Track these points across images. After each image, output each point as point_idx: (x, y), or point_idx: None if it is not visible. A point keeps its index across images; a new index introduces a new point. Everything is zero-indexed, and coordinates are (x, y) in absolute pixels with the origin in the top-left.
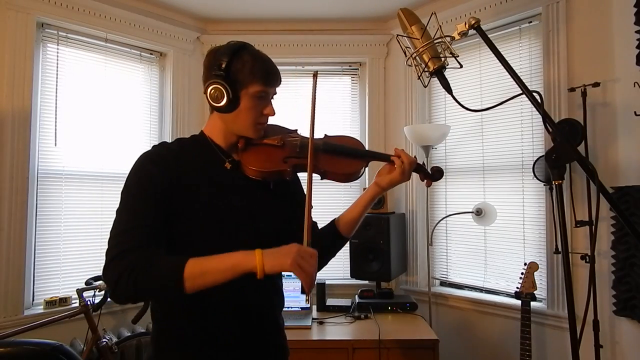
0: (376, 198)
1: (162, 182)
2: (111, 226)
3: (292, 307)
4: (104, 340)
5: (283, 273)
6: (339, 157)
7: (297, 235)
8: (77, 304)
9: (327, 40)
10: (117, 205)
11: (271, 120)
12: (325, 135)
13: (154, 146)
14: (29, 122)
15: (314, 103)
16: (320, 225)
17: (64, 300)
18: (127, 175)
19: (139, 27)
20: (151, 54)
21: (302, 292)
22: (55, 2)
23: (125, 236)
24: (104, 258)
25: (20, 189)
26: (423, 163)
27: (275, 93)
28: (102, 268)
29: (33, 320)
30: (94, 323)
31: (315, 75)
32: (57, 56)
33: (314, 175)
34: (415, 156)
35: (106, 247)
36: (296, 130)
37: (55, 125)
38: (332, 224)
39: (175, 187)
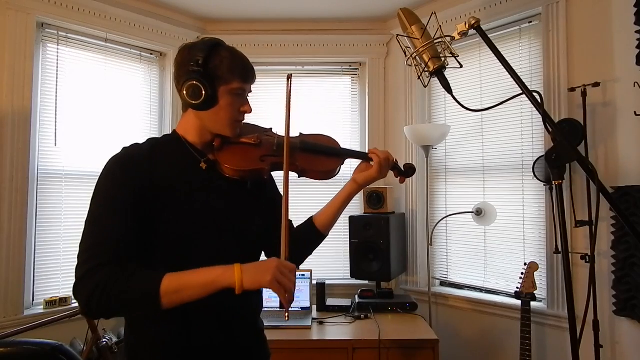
0: (353, 195)
1: (132, 189)
2: (80, 239)
3: (292, 307)
4: (104, 340)
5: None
6: (316, 155)
7: (275, 236)
8: (77, 304)
9: (327, 40)
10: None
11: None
12: (301, 134)
13: (124, 148)
14: (29, 122)
15: (288, 106)
16: (297, 223)
17: (64, 300)
18: (96, 181)
19: (139, 27)
20: (151, 54)
21: (281, 307)
22: (55, 2)
23: (95, 251)
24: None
25: (20, 189)
26: (396, 161)
27: (250, 91)
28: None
29: (33, 320)
30: (94, 323)
31: (289, 78)
32: (57, 56)
33: (290, 173)
34: (388, 152)
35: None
36: (271, 128)
37: (55, 125)
38: (310, 221)
39: (148, 190)
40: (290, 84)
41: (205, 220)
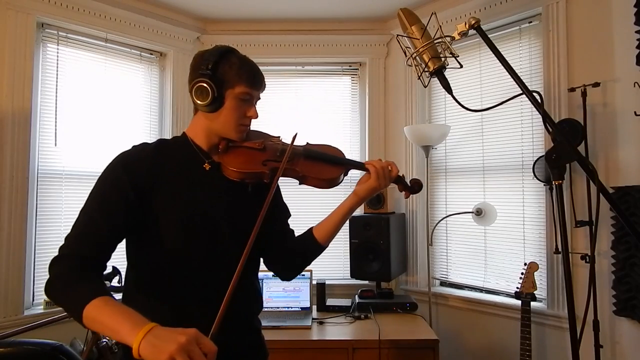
0: (355, 207)
1: (130, 190)
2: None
3: (292, 307)
4: (104, 340)
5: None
6: (319, 163)
7: (272, 244)
8: None
9: (327, 40)
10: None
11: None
12: (307, 143)
13: (133, 146)
14: (29, 122)
15: (288, 153)
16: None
17: None
18: (100, 173)
19: (139, 27)
20: (151, 54)
21: None
22: (55, 2)
23: (76, 240)
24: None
25: (20, 189)
26: (402, 175)
27: (259, 98)
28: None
29: (33, 320)
30: None
31: (294, 137)
32: (57, 56)
33: (292, 179)
34: (393, 162)
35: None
36: (279, 137)
37: (55, 125)
38: (310, 231)
39: (147, 191)
40: (293, 141)
41: (203, 219)
